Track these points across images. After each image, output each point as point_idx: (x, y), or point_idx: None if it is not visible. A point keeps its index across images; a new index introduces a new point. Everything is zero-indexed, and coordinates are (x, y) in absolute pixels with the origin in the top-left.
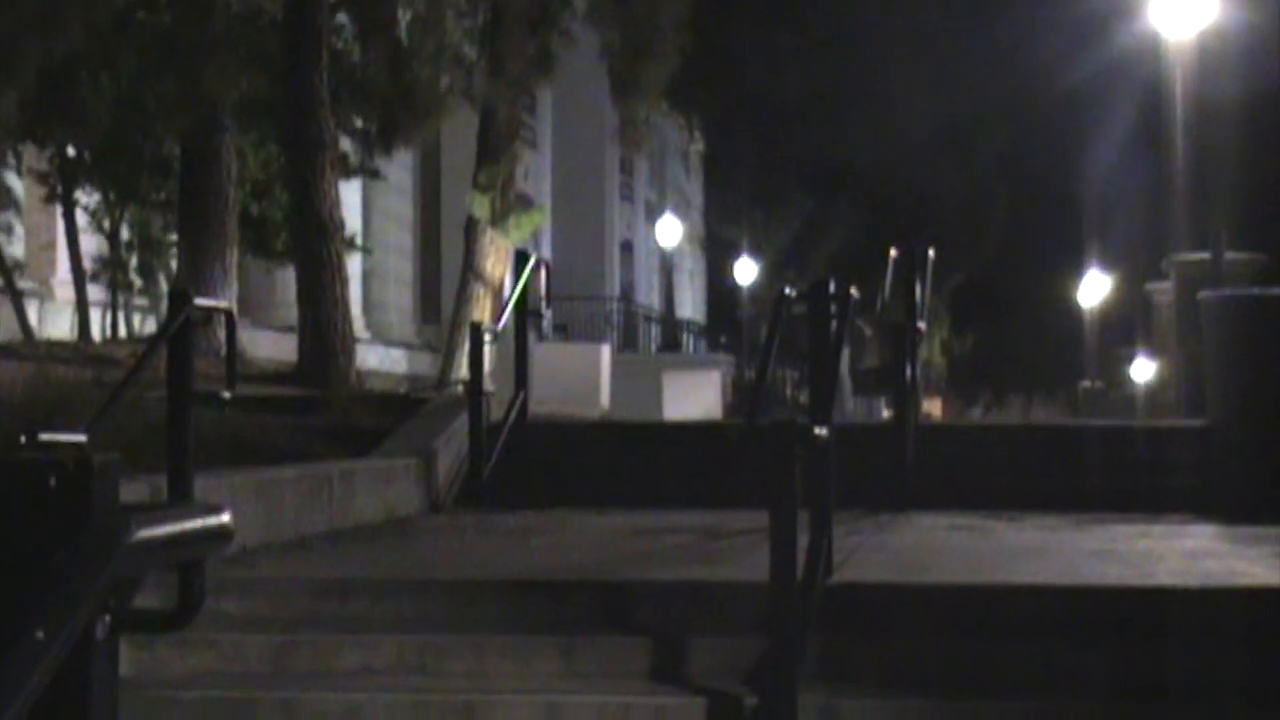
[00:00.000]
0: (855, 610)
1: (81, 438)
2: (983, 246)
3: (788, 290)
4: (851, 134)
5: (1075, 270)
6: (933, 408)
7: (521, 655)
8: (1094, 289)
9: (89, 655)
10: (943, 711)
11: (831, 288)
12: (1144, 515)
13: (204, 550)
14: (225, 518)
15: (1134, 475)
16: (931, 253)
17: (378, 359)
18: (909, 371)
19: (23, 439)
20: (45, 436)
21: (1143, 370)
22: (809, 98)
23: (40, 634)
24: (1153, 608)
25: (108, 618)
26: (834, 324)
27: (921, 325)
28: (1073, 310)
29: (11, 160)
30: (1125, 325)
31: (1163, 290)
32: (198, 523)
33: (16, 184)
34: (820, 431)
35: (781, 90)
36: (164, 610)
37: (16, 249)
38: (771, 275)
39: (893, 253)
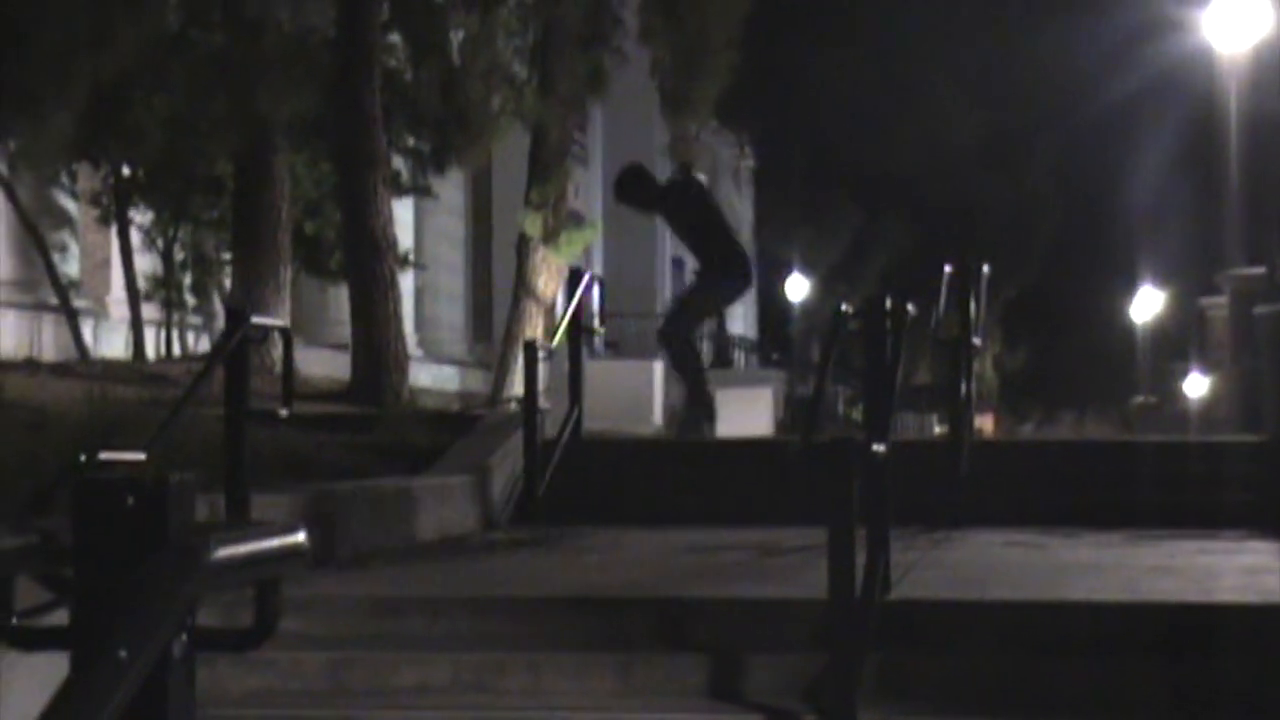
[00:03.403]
0: (914, 627)
1: (141, 456)
2: (1034, 261)
3: (844, 306)
4: (902, 148)
5: (1127, 285)
6: (984, 424)
7: (579, 673)
8: (1146, 304)
9: (167, 674)
10: None
11: (887, 304)
12: (1201, 531)
13: (281, 569)
14: (301, 536)
15: (1190, 491)
16: (986, 268)
17: (430, 376)
18: (964, 387)
19: (83, 458)
20: (106, 455)
21: (1196, 385)
22: (859, 113)
23: (123, 653)
24: (1212, 624)
25: (185, 636)
26: (890, 340)
27: (977, 341)
28: (1125, 325)
29: (66, 180)
30: (1178, 340)
31: (1217, 305)
32: (275, 542)
33: (71, 204)
34: (878, 448)
35: (831, 105)
36: (241, 629)
37: (71, 268)
38: (823, 291)
39: (947, 268)
